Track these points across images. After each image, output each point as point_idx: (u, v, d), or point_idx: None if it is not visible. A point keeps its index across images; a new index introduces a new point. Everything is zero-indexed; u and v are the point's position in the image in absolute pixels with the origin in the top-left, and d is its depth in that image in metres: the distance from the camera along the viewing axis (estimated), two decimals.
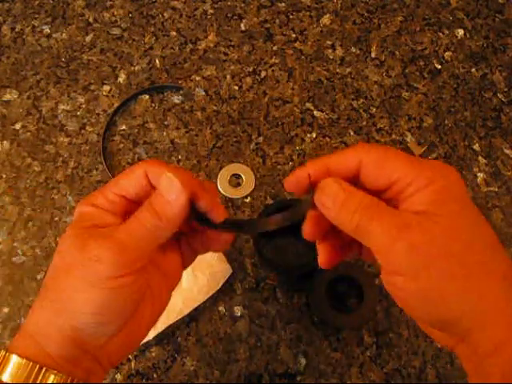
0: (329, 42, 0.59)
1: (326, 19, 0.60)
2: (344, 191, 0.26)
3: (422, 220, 0.24)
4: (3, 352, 0.27)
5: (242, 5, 0.61)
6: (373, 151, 0.27)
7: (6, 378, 0.26)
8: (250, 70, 0.57)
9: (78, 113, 0.55)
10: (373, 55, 0.58)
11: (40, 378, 0.26)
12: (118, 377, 0.43)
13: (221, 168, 0.52)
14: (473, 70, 0.57)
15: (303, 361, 0.44)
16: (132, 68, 0.57)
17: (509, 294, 0.25)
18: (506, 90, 0.56)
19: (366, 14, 0.60)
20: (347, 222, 0.26)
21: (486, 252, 0.25)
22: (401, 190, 0.26)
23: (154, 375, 0.44)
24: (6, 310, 0.46)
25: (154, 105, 0.55)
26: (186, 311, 0.44)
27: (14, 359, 0.26)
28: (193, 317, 0.45)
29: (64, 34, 0.59)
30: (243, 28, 0.59)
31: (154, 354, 0.44)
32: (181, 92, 0.56)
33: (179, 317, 0.44)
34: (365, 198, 0.26)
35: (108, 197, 0.28)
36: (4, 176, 0.52)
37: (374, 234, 0.25)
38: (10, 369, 0.26)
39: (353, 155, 0.27)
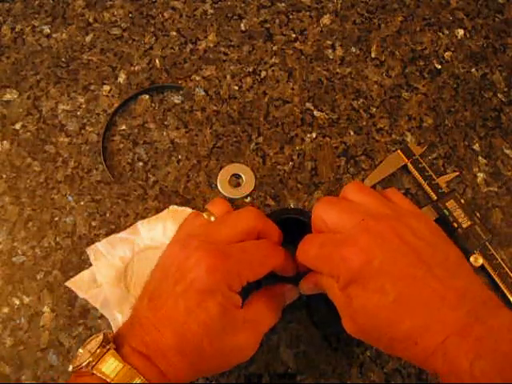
0: (329, 42, 0.59)
1: (326, 19, 0.60)
2: None
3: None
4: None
5: (242, 5, 0.61)
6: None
7: None
8: (250, 69, 0.57)
9: (78, 113, 0.55)
10: (373, 55, 0.58)
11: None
12: None
13: (221, 168, 0.52)
14: (473, 70, 0.57)
15: (303, 361, 0.44)
16: (132, 68, 0.57)
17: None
18: (505, 89, 0.56)
19: (366, 14, 0.60)
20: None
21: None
22: None
23: None
24: (5, 309, 0.46)
25: (154, 105, 0.55)
26: None
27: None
28: None
29: (64, 34, 0.59)
30: (243, 28, 0.60)
31: None
32: (181, 92, 0.56)
33: None
34: None
35: None
36: (4, 176, 0.52)
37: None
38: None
39: None
